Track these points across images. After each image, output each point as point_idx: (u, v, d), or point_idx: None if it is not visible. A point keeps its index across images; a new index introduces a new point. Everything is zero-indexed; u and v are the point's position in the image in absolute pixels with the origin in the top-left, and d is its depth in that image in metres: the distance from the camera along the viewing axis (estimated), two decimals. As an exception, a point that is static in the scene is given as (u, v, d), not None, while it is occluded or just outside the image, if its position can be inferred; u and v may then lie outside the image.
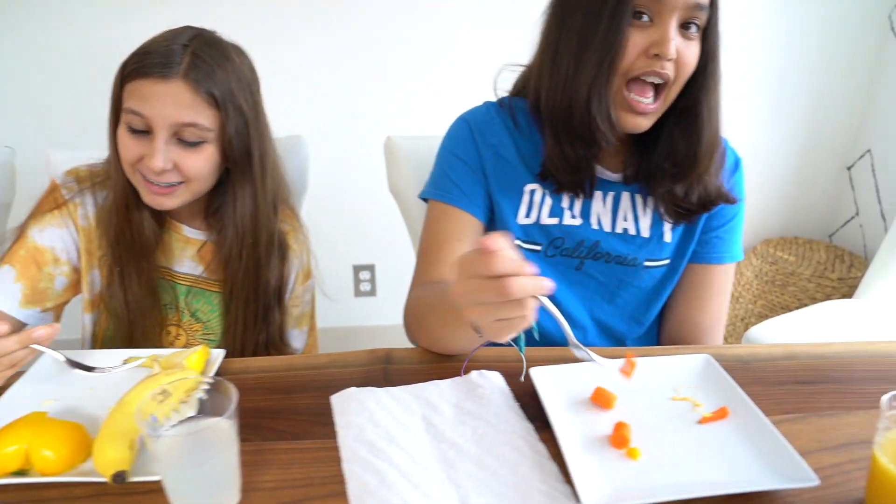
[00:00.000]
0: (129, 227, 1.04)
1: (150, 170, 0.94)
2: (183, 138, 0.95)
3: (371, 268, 2.48)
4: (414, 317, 0.99)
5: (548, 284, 0.65)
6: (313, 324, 1.23)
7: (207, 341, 1.12)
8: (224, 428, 0.66)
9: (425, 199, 1.08)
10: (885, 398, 0.65)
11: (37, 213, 1.05)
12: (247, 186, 1.02)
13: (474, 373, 0.88)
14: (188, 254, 1.10)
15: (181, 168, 0.96)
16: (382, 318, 2.52)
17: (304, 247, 1.16)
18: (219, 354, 0.91)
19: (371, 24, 2.14)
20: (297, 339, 1.18)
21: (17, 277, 1.02)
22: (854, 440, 0.77)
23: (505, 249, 0.63)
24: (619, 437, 0.74)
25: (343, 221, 2.37)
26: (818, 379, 0.90)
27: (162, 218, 1.08)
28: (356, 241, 2.40)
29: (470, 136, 1.05)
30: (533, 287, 0.63)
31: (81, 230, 1.05)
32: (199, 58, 0.94)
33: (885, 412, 0.65)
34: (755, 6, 2.25)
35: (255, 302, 1.08)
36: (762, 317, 2.32)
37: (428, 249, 1.04)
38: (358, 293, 2.51)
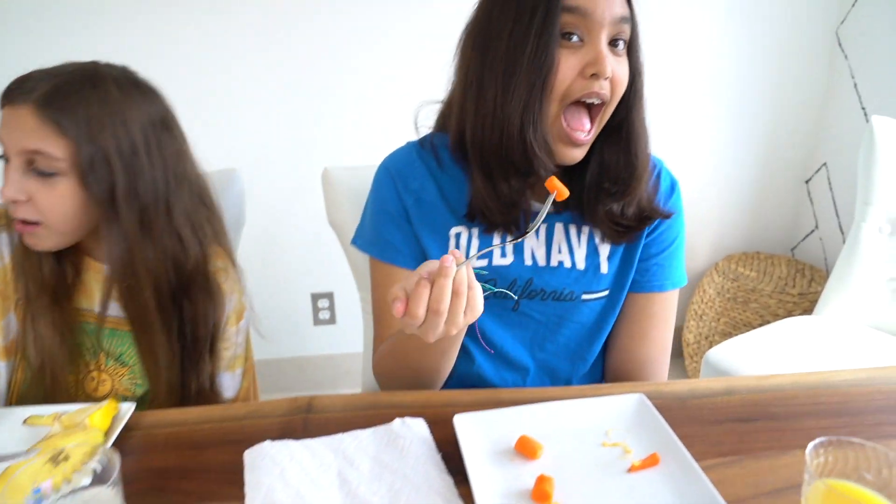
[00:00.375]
0: (38, 267, 0.99)
1: (5, 200, 0.90)
2: (36, 167, 0.90)
3: (330, 295, 2.42)
4: (384, 375, 1.00)
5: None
6: (249, 366, 1.17)
7: (135, 386, 1.07)
8: (105, 499, 0.61)
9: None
10: (809, 448, 0.61)
11: None
12: (113, 227, 0.95)
13: (397, 421, 0.83)
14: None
15: (36, 203, 0.91)
16: (343, 346, 2.47)
17: (237, 286, 1.11)
18: (128, 409, 0.85)
19: (316, 54, 2.12)
20: (228, 383, 1.12)
21: None
22: (789, 484, 0.74)
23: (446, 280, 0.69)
24: (540, 493, 0.70)
25: (299, 251, 2.32)
26: (757, 415, 0.87)
27: (79, 257, 1.03)
28: (314, 270, 2.35)
29: (392, 184, 1.01)
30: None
31: None
32: (58, 87, 0.89)
33: (809, 463, 0.61)
34: (706, 24, 2.25)
35: (175, 345, 1.03)
36: (725, 334, 2.30)
37: (382, 315, 1.03)
38: (317, 321, 2.45)
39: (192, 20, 2.01)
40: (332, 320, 2.45)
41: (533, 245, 1.00)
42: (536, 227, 0.84)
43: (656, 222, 1.02)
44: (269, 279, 2.34)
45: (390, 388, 1.00)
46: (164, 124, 0.99)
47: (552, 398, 0.86)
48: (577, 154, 0.90)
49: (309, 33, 2.09)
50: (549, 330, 1.04)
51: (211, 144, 2.14)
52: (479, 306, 0.73)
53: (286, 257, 2.34)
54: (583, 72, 0.85)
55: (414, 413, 0.85)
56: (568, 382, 1.08)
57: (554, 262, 1.00)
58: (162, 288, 1.00)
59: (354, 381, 2.19)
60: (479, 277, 0.85)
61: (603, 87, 0.86)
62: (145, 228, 0.96)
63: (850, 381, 0.95)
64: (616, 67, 0.86)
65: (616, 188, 0.94)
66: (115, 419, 0.83)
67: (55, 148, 0.89)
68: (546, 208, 0.76)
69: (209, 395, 1.09)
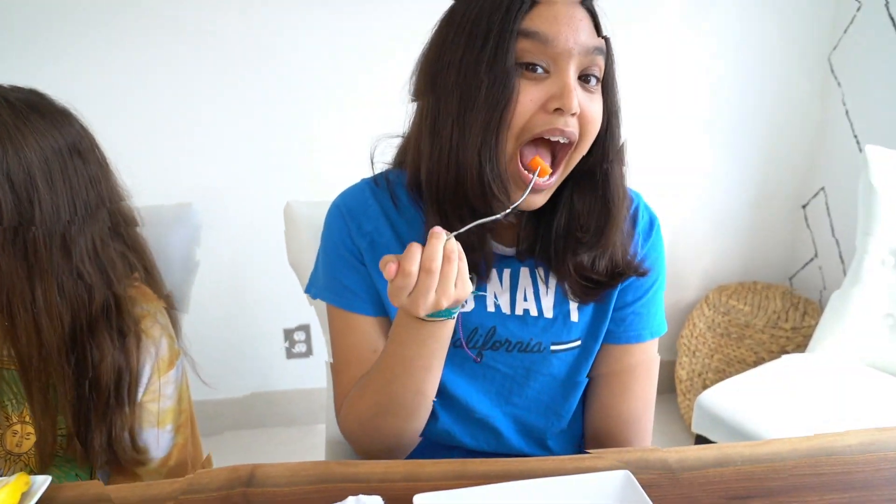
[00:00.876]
0: None
1: None
2: None
3: (306, 328, 2.32)
4: (357, 424, 0.91)
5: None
6: (184, 421, 1.05)
7: (64, 440, 0.96)
8: None
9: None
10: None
11: None
12: None
13: (351, 499, 0.74)
14: None
15: None
16: (319, 380, 2.36)
17: (166, 332, 1.00)
18: (42, 483, 0.75)
19: (278, 85, 2.04)
20: (154, 441, 1.01)
21: None
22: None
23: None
24: None
25: (271, 283, 2.22)
26: (752, 491, 0.77)
27: None
28: (287, 303, 2.25)
29: (344, 226, 0.93)
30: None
31: None
32: None
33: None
34: (699, 49, 2.19)
35: (71, 393, 0.92)
36: (719, 372, 2.22)
37: (345, 365, 0.94)
38: (290, 355, 2.35)
39: (152, 52, 1.93)
40: (308, 353, 2.35)
41: (496, 291, 0.91)
42: (513, 207, 0.76)
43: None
44: (240, 314, 2.25)
45: (362, 446, 0.92)
46: (75, 150, 0.90)
47: (528, 470, 0.77)
48: (536, 200, 0.81)
49: (273, 64, 2.01)
50: (516, 383, 0.94)
51: (172, 177, 2.07)
52: (468, 283, 0.72)
53: (257, 293, 2.24)
54: (545, 105, 0.75)
55: (370, 489, 0.76)
56: (543, 440, 0.99)
57: (519, 311, 0.91)
58: (53, 330, 0.89)
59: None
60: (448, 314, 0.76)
61: (569, 125, 0.75)
62: (31, 264, 0.86)
63: (854, 446, 0.86)
64: (586, 104, 0.77)
65: (587, 238, 0.85)
66: (24, 496, 0.73)
67: None
68: (528, 191, 0.76)
69: (130, 453, 0.98)
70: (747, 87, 2.27)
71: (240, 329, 2.27)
